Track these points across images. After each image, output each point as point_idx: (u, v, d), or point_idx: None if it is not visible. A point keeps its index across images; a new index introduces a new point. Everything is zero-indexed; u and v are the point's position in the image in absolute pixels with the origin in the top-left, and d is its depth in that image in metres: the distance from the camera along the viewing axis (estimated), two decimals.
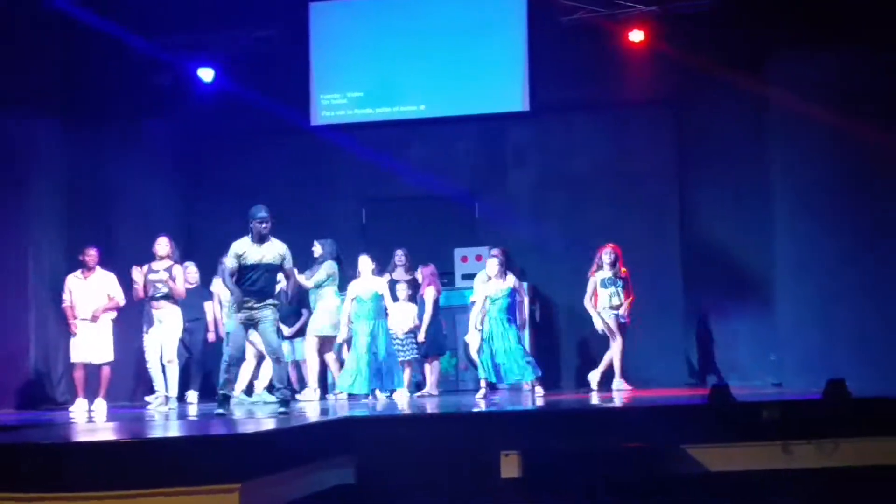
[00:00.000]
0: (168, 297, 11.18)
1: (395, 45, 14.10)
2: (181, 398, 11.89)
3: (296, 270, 11.04)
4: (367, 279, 11.30)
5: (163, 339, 11.26)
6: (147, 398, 11.57)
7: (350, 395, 11.19)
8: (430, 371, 11.71)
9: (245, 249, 9.15)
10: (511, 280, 10.94)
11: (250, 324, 9.19)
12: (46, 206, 12.60)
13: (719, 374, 12.16)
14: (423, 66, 13.99)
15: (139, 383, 12.75)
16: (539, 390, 10.82)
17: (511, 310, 10.84)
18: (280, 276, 9.67)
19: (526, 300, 11.41)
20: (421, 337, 11.48)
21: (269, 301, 9.17)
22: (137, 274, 11.24)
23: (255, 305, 9.11)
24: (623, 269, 11.40)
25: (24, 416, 10.54)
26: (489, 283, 10.97)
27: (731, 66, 12.28)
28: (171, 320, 11.29)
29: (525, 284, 12.60)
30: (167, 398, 11.25)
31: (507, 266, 11.23)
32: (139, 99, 13.41)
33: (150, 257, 11.42)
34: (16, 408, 11.78)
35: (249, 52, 13.85)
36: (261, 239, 9.19)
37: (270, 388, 11.26)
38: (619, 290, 11.33)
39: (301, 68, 14.18)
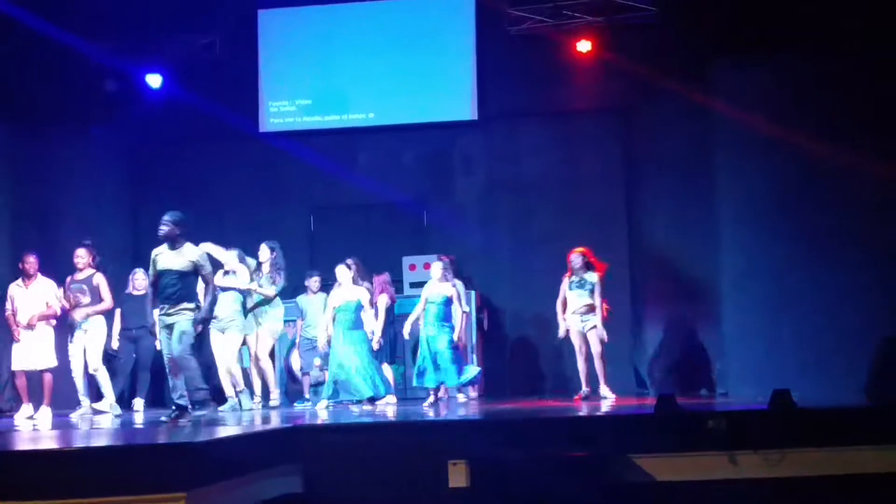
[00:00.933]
0: (91, 304, 11.12)
1: (343, 53, 14.08)
2: (128, 406, 11.77)
3: (243, 277, 11.01)
4: (348, 288, 11.25)
5: (87, 348, 11.16)
6: (94, 405, 11.42)
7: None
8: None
9: (157, 254, 9.31)
10: (450, 289, 10.99)
11: (167, 330, 9.22)
12: None
13: (666, 383, 12.22)
14: (372, 74, 13.97)
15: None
16: (430, 399, 10.95)
17: (446, 317, 10.92)
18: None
19: (460, 311, 11.26)
20: (375, 345, 11.43)
21: (183, 306, 9.18)
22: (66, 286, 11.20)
23: (169, 311, 9.18)
24: (597, 273, 11.16)
25: None
26: (430, 286, 11.05)
27: (677, 76, 12.41)
28: (95, 329, 11.22)
29: (473, 293, 12.66)
30: (111, 405, 11.18)
31: (454, 274, 11.26)
32: (86, 105, 13.25)
33: (98, 264, 11.34)
34: None
35: (198, 58, 13.79)
36: (172, 244, 9.25)
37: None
38: (587, 292, 11.14)
39: (250, 75, 14.11)
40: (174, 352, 9.18)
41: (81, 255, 11.24)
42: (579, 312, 11.12)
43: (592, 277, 11.11)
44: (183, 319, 9.19)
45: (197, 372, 9.30)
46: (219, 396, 11.47)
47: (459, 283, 11.43)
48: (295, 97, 14.18)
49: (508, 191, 13.63)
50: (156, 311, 9.49)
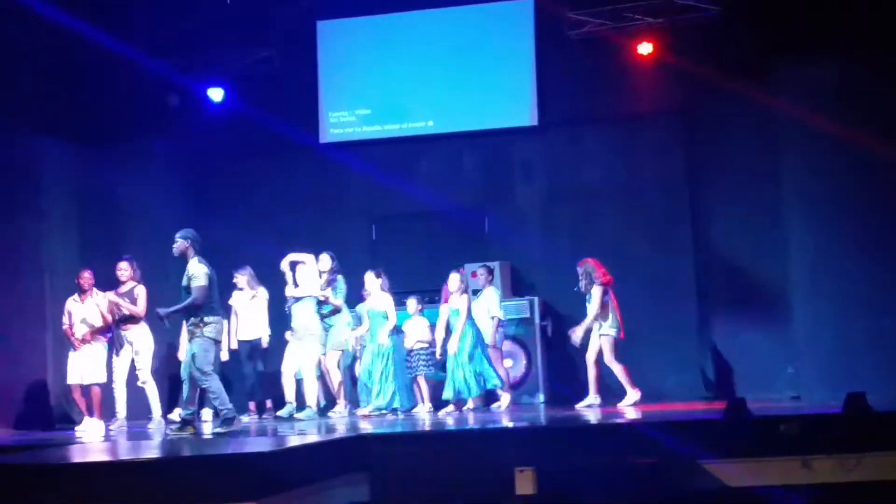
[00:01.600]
0: (131, 318, 11.32)
1: (402, 61, 14.08)
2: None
3: (310, 286, 11.12)
4: (376, 295, 11.28)
5: (136, 361, 11.36)
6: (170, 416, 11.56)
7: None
8: None
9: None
10: (461, 301, 11.33)
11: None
12: (60, 227, 12.75)
13: (735, 388, 12.04)
14: (431, 82, 13.96)
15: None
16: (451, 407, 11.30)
17: (464, 327, 11.29)
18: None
19: (460, 323, 11.37)
20: (438, 353, 11.54)
21: (191, 321, 9.51)
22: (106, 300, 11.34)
23: (188, 327, 9.60)
24: (598, 283, 11.27)
25: (41, 436, 10.55)
26: (451, 299, 11.42)
27: (740, 76, 12.23)
28: (141, 340, 11.36)
29: (535, 300, 12.63)
30: (153, 418, 11.41)
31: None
32: (150, 119, 13.43)
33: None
34: (34, 428, 11.80)
35: (258, 71, 13.89)
36: (182, 259, 9.67)
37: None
38: (588, 304, 11.33)
39: (309, 86, 14.17)
40: (193, 363, 9.47)
41: (124, 269, 11.47)
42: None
43: (595, 290, 11.23)
44: (194, 340, 9.49)
45: (218, 391, 9.53)
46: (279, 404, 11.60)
47: (465, 297, 11.51)
48: (354, 107, 14.21)
49: (569, 196, 13.52)
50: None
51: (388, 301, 11.37)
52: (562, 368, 12.94)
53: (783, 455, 7.87)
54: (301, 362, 11.35)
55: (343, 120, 14.25)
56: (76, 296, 11.38)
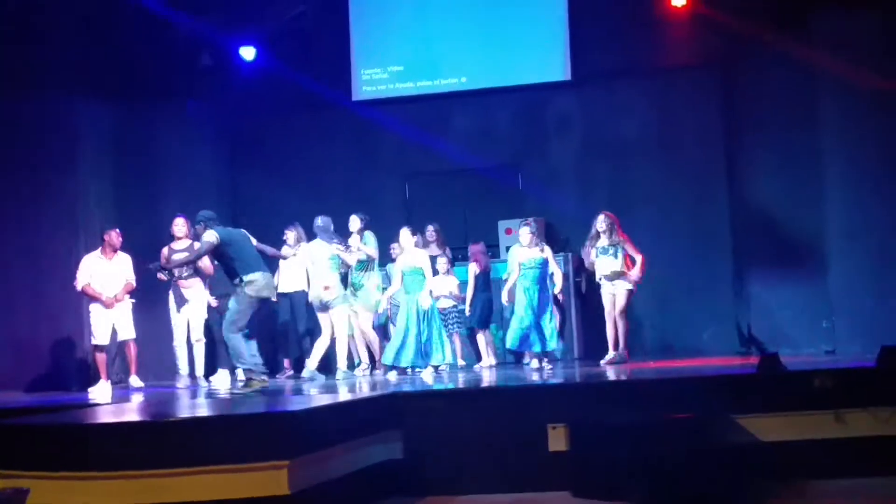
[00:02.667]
0: (194, 275, 11.36)
1: (434, 17, 13.99)
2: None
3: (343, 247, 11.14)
4: (412, 252, 11.27)
5: (190, 318, 11.44)
6: (212, 378, 11.63)
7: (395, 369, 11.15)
8: (483, 343, 11.88)
9: None
10: (546, 251, 11.03)
11: None
12: (95, 189, 12.75)
13: (770, 342, 11.96)
14: (463, 37, 13.87)
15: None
16: (535, 363, 10.95)
17: (543, 280, 10.94)
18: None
19: (558, 273, 11.26)
20: (467, 310, 11.60)
21: (234, 281, 9.67)
22: (163, 256, 11.38)
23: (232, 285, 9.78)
24: (622, 236, 11.10)
25: (76, 397, 10.66)
26: (522, 251, 11.04)
27: (778, 28, 12.02)
28: (199, 298, 11.47)
29: (570, 255, 12.58)
30: (195, 377, 11.48)
31: (546, 237, 11.18)
32: (182, 79, 13.42)
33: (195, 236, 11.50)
34: (74, 388, 11.93)
35: (290, 29, 13.79)
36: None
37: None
38: (616, 258, 11.00)
39: (341, 44, 14.13)
40: (223, 325, 9.72)
41: (180, 225, 11.45)
42: (608, 278, 11.02)
43: (621, 241, 11.01)
44: (234, 296, 9.66)
45: (238, 349, 9.54)
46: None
47: (547, 247, 11.33)
48: (387, 64, 14.15)
49: (604, 151, 13.42)
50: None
51: (425, 257, 11.28)
52: (596, 324, 12.91)
53: (817, 409, 7.85)
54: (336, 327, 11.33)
55: (376, 77, 14.20)
56: (98, 253, 11.37)
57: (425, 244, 11.94)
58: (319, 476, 6.89)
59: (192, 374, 11.58)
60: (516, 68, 13.70)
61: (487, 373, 11.10)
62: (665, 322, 12.76)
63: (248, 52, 13.78)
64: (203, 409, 8.36)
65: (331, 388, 9.79)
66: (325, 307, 11.15)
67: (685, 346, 11.50)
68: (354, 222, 11.56)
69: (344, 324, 11.23)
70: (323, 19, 13.89)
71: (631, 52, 13.22)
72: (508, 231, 12.85)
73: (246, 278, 9.51)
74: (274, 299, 10.67)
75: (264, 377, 9.61)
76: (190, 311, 11.46)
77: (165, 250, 11.43)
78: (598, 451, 7.74)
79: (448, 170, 13.81)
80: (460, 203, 13.54)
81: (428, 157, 13.74)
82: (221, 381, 11.35)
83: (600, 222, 11.05)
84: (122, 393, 10.91)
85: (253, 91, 13.85)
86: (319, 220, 11.33)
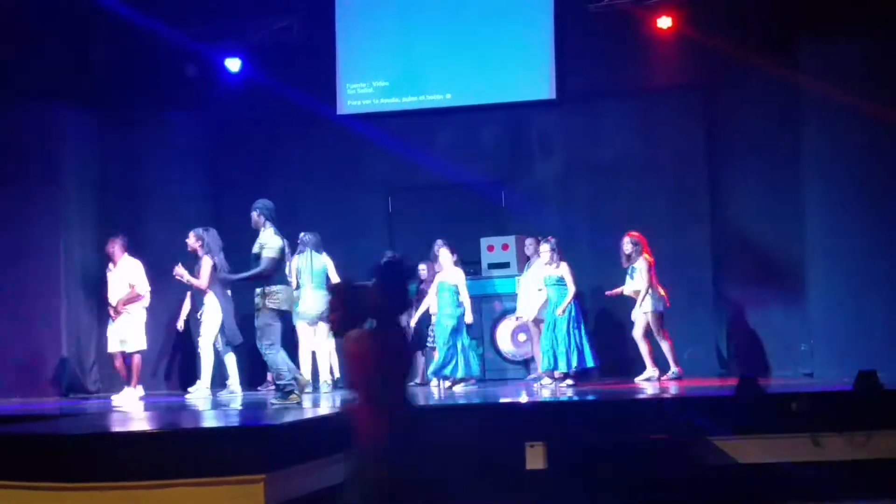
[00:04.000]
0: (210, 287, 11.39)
1: (420, 33, 14.00)
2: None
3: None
4: (449, 269, 11.36)
5: (201, 326, 11.49)
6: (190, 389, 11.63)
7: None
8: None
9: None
10: (563, 268, 11.17)
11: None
12: (77, 198, 12.78)
13: (749, 365, 11.99)
14: (449, 54, 13.86)
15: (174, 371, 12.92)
16: (569, 381, 10.96)
17: (563, 298, 11.09)
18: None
19: (572, 291, 11.27)
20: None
21: (258, 290, 9.55)
22: (181, 268, 11.40)
23: (255, 295, 9.62)
24: (645, 256, 11.29)
25: (58, 405, 10.65)
26: (544, 270, 11.20)
27: (761, 51, 12.07)
28: (210, 309, 11.50)
29: None
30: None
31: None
32: (167, 90, 13.38)
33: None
34: (48, 396, 11.90)
35: (276, 41, 13.79)
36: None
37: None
38: (632, 278, 11.34)
39: (327, 57, 14.11)
40: (259, 346, 9.54)
41: (189, 238, 11.57)
42: (630, 296, 11.33)
43: (641, 264, 11.23)
44: (258, 313, 9.52)
45: (277, 364, 9.48)
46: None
47: (564, 264, 11.38)
48: (372, 79, 14.15)
49: (587, 171, 13.46)
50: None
51: (461, 275, 11.47)
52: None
53: (794, 432, 7.87)
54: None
55: (361, 91, 14.20)
56: (110, 265, 11.48)
57: (434, 258, 12.04)
58: (295, 490, 6.87)
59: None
60: (501, 86, 13.70)
61: (466, 390, 11.08)
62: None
63: (233, 64, 13.79)
64: (179, 422, 8.32)
65: (311, 402, 9.77)
66: (317, 320, 11.19)
67: (664, 366, 11.49)
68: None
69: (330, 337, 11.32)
70: (309, 33, 13.89)
71: (616, 73, 13.26)
72: (490, 248, 12.87)
73: (271, 289, 9.47)
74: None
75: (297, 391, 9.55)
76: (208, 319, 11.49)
77: (180, 267, 11.45)
78: (575, 470, 7.74)
79: (431, 185, 13.80)
80: (443, 219, 13.52)
81: (412, 173, 13.74)
82: (200, 393, 11.33)
83: (624, 244, 11.38)
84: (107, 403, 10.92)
85: (237, 103, 13.83)
86: (309, 235, 11.42)
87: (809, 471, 7.78)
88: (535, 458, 7.90)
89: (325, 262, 11.50)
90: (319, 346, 11.51)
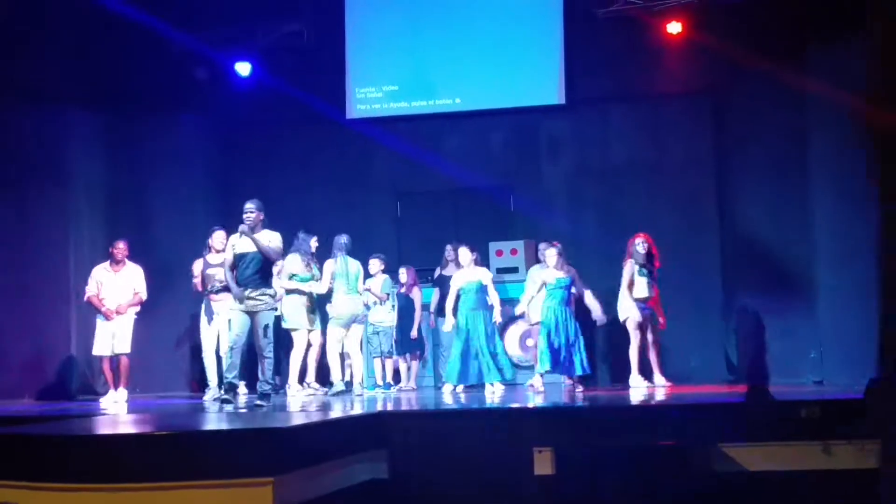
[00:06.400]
0: (226, 289, 11.26)
1: (430, 38, 14.02)
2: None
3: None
4: (471, 268, 11.38)
5: (221, 331, 11.39)
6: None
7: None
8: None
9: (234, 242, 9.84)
10: (572, 271, 11.11)
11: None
12: (86, 200, 12.83)
13: (758, 371, 11.97)
14: (459, 59, 13.89)
15: (173, 375, 12.89)
16: (579, 387, 10.88)
17: (569, 301, 10.99)
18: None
19: (589, 297, 11.23)
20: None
21: (259, 290, 9.54)
22: (196, 268, 11.34)
23: (256, 294, 9.53)
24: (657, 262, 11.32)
25: (63, 407, 10.63)
26: (547, 272, 11.08)
27: (771, 57, 12.09)
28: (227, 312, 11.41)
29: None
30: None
31: (535, 260, 11.28)
32: (177, 93, 13.46)
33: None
34: (57, 398, 11.91)
35: (286, 45, 13.87)
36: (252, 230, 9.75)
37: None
38: (650, 282, 11.26)
39: (337, 62, 14.15)
40: (261, 343, 9.46)
41: (218, 238, 11.45)
42: (643, 300, 11.19)
43: (655, 265, 11.23)
44: (265, 312, 9.53)
45: (271, 365, 9.57)
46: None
47: (573, 268, 11.37)
48: (382, 83, 14.17)
49: (596, 176, 13.48)
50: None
51: (487, 273, 11.54)
52: (589, 349, 12.92)
53: (804, 440, 7.84)
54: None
55: (370, 96, 14.22)
56: (107, 265, 11.39)
57: (445, 264, 12.28)
58: (304, 493, 6.86)
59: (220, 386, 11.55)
60: (511, 91, 13.73)
61: (476, 394, 11.06)
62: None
63: (243, 68, 13.82)
64: (188, 424, 8.31)
65: (325, 405, 9.77)
66: (350, 323, 11.22)
67: (673, 372, 11.47)
68: (374, 265, 11.65)
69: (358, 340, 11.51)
70: (319, 37, 13.95)
71: (625, 78, 13.28)
72: (499, 252, 12.86)
73: (268, 291, 9.63)
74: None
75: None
76: (219, 324, 11.42)
77: (200, 262, 11.40)
78: (583, 476, 7.72)
79: (440, 189, 13.83)
80: (451, 223, 13.55)
81: (420, 177, 13.77)
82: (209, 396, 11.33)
83: (640, 244, 11.31)
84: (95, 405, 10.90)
85: (246, 106, 13.88)
86: (344, 238, 11.45)
87: (819, 479, 7.74)
88: (543, 463, 7.88)
89: (358, 266, 11.50)
90: (352, 349, 11.51)
